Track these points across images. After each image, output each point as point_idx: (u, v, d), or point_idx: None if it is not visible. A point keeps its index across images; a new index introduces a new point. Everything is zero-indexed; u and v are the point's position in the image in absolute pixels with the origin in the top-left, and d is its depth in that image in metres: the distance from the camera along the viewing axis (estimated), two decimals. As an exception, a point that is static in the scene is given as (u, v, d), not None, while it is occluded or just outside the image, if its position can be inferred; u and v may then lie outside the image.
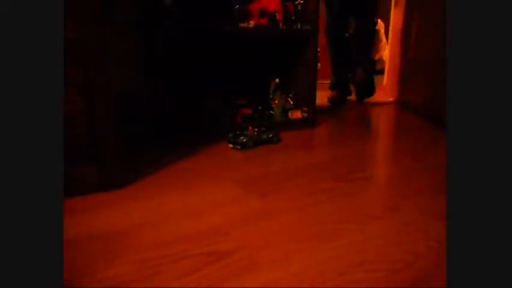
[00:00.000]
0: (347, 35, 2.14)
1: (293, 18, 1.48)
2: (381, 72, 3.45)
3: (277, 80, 1.53)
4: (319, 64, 3.41)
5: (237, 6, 1.38)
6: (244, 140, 1.22)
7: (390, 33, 2.39)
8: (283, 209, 0.75)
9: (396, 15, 2.27)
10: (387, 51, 2.59)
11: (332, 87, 2.31)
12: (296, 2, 1.48)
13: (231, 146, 1.24)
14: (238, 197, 0.81)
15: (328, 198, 0.81)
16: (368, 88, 2.24)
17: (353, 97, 2.36)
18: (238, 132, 1.28)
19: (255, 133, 1.27)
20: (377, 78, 4.46)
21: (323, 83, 3.55)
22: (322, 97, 2.64)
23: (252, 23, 1.36)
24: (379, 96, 2.62)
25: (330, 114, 1.93)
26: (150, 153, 1.18)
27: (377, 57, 4.56)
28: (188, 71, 1.46)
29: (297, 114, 1.55)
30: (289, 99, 1.61)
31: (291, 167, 1.04)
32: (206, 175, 0.96)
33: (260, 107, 1.56)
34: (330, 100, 2.22)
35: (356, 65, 2.17)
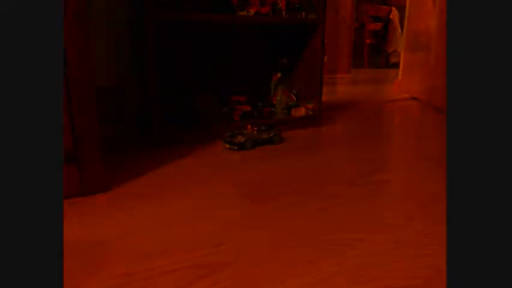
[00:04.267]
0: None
1: (297, 6, 1.48)
2: (396, 65, 3.45)
3: (279, 74, 1.53)
4: (325, 57, 3.43)
5: None
6: (242, 140, 1.22)
7: (405, 22, 2.38)
8: (285, 217, 0.75)
9: (412, 2, 2.27)
10: (402, 42, 2.59)
11: None
12: (301, -12, 1.48)
13: (227, 146, 1.24)
14: (235, 203, 0.81)
15: (336, 205, 0.81)
16: None
17: (360, 95, 2.35)
18: (235, 131, 1.28)
19: (254, 132, 1.27)
20: (391, 72, 4.46)
21: (329, 78, 3.57)
22: (329, 93, 2.66)
23: (251, 12, 1.36)
24: (395, 91, 2.62)
25: (338, 112, 1.93)
26: (138, 154, 1.18)
27: (390, 49, 4.57)
28: (180, 64, 1.45)
29: (301, 112, 1.55)
30: (292, 95, 1.60)
31: (294, 170, 1.04)
32: (199, 179, 0.96)
33: (260, 104, 1.56)
34: None
35: None
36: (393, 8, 4.38)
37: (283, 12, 1.44)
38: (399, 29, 4.41)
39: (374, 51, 4.67)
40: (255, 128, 1.28)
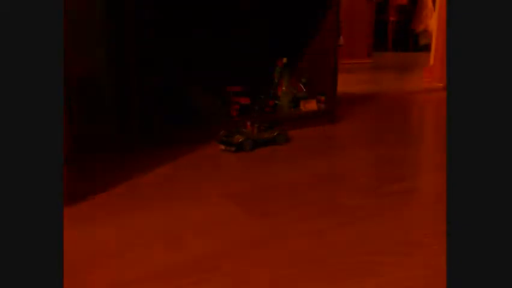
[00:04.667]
0: None
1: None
2: (427, 48, 3.45)
3: (284, 60, 1.53)
4: (341, 38, 3.42)
5: None
6: (241, 140, 1.22)
7: (438, -5, 2.38)
8: (292, 235, 0.75)
9: (446, -28, 2.27)
10: (434, 19, 2.59)
11: None
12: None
13: (222, 147, 1.25)
14: (232, 218, 0.81)
15: (353, 219, 0.81)
16: None
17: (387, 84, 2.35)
18: (232, 129, 1.28)
19: (255, 131, 1.28)
20: (421, 56, 4.47)
21: (346, 64, 3.56)
22: (346, 82, 2.65)
23: None
24: (425, 80, 2.62)
25: (357, 105, 1.92)
26: (120, 157, 1.18)
27: (419, 28, 4.57)
28: (164, 48, 1.45)
29: (312, 105, 1.55)
30: (301, 84, 1.60)
31: (302, 176, 1.04)
32: (189, 187, 0.97)
33: (262, 96, 1.56)
34: None
35: None
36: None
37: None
38: (430, 4, 4.40)
39: (400, 31, 4.67)
40: (256, 126, 1.28)
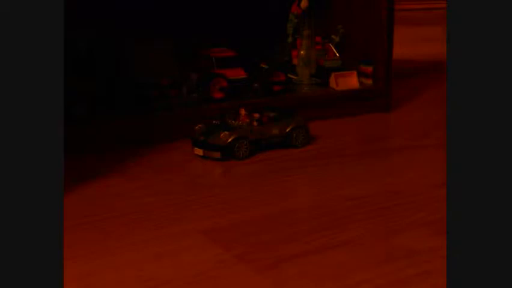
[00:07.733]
0: None
1: None
2: None
3: (304, 3, 1.54)
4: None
5: None
6: (230, 140, 1.23)
7: None
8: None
9: None
10: None
11: None
12: None
13: (199, 152, 1.26)
14: (217, 269, 0.81)
15: (423, 272, 0.80)
16: None
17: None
18: (215, 122, 1.29)
19: (254, 124, 1.29)
20: None
21: (410, 10, 3.50)
22: (407, 41, 2.60)
23: None
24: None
25: (428, 82, 1.91)
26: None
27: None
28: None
29: (350, 81, 1.57)
30: (331, 45, 1.62)
31: (334, 200, 1.05)
32: (150, 219, 0.97)
33: (265, 66, 1.55)
34: None
35: None
36: None
37: None
38: None
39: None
40: (255, 115, 1.29)
